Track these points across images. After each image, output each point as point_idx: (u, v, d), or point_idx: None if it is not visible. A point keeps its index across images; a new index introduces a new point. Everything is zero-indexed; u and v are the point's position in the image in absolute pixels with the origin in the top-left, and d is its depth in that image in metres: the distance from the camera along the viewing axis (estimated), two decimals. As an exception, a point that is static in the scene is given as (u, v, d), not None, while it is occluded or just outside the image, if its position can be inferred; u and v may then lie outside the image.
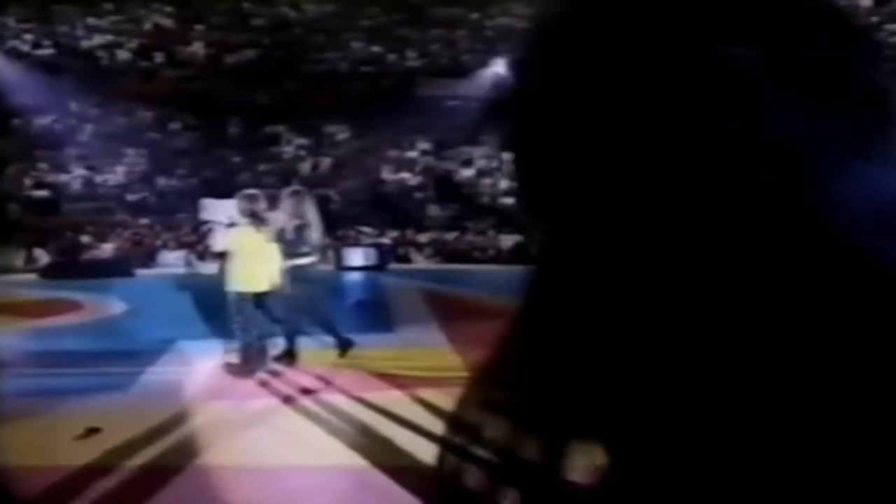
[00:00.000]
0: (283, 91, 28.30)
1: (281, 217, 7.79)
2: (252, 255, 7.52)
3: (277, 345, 8.14)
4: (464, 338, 10.24)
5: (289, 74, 28.74)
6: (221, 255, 8.71)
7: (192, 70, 29.35)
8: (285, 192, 8.23)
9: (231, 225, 8.11)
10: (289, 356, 8.05)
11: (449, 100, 28.90)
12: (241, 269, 7.57)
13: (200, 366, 8.22)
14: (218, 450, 5.50)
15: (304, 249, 7.89)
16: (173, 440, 5.73)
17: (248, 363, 7.66)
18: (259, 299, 7.66)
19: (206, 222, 20.29)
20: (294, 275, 7.82)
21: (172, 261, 19.10)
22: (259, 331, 7.71)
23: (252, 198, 7.75)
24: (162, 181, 26.06)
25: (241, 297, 7.55)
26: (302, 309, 8.01)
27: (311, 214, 8.03)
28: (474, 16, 31.83)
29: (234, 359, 7.88)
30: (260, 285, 7.59)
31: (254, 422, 6.24)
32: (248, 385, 7.44)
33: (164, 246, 19.91)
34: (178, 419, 6.23)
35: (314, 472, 5.12)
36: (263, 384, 7.50)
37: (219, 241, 8.18)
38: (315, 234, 8.03)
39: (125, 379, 7.52)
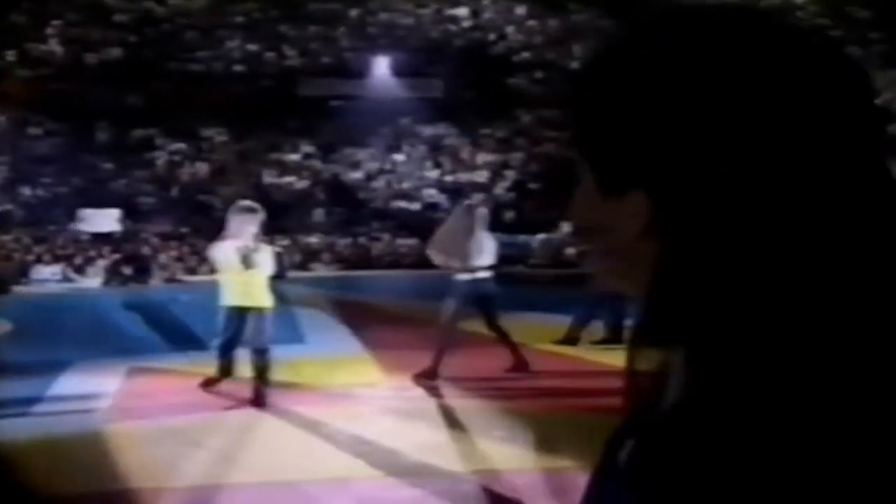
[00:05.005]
0: (154, 92, 27.74)
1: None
2: (235, 270, 7.39)
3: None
4: (380, 344, 10.53)
5: (159, 74, 28.16)
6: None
7: (50, 70, 28.41)
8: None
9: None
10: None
11: (332, 100, 29.04)
12: (231, 284, 7.47)
13: (107, 385, 8.23)
14: (144, 469, 5.59)
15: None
16: (87, 464, 5.74)
17: (225, 376, 7.70)
18: (245, 315, 7.49)
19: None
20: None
21: (48, 276, 18.54)
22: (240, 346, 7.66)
23: (249, 210, 7.57)
24: (26, 191, 25.28)
25: (232, 311, 7.47)
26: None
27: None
28: (354, 12, 31.96)
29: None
30: (246, 300, 7.44)
31: (173, 439, 6.31)
32: (167, 400, 7.56)
33: (38, 260, 19.24)
34: (89, 442, 6.24)
35: (246, 489, 5.23)
36: (191, 399, 7.58)
37: (214, 254, 7.68)
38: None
39: (24, 403, 7.40)
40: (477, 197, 25.81)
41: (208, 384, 7.76)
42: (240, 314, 7.44)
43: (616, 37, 0.66)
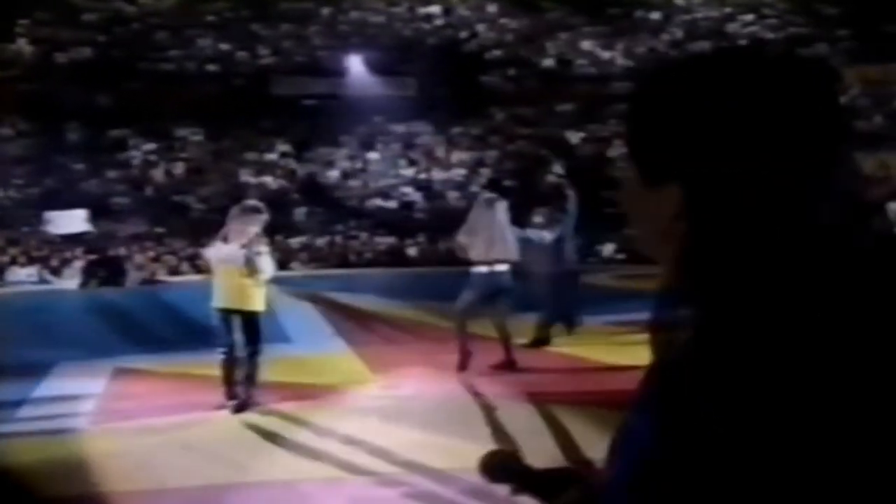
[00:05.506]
0: (126, 92, 27.37)
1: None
2: (235, 272, 7.15)
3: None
4: (363, 342, 10.61)
5: (130, 74, 27.83)
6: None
7: (19, 70, 28.11)
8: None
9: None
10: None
11: (305, 99, 28.93)
12: (228, 286, 7.20)
13: (91, 386, 8.23)
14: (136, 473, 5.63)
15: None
16: (72, 466, 5.73)
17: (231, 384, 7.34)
18: (237, 317, 7.27)
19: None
20: None
21: (24, 277, 18.42)
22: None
23: (254, 210, 7.38)
24: None
25: (224, 314, 7.23)
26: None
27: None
28: (326, 10, 31.94)
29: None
30: (242, 303, 7.23)
31: (160, 440, 6.34)
32: (153, 401, 7.59)
33: (13, 262, 19.10)
34: (74, 444, 6.24)
35: (236, 489, 5.25)
36: (178, 400, 7.61)
37: (212, 254, 7.43)
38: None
39: (7, 407, 7.41)
40: (453, 195, 25.97)
41: (230, 395, 7.26)
42: (232, 316, 7.21)
43: (655, 74, 0.92)
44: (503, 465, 1.41)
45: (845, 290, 0.76)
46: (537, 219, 10.49)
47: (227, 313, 7.23)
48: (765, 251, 0.79)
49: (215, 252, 7.40)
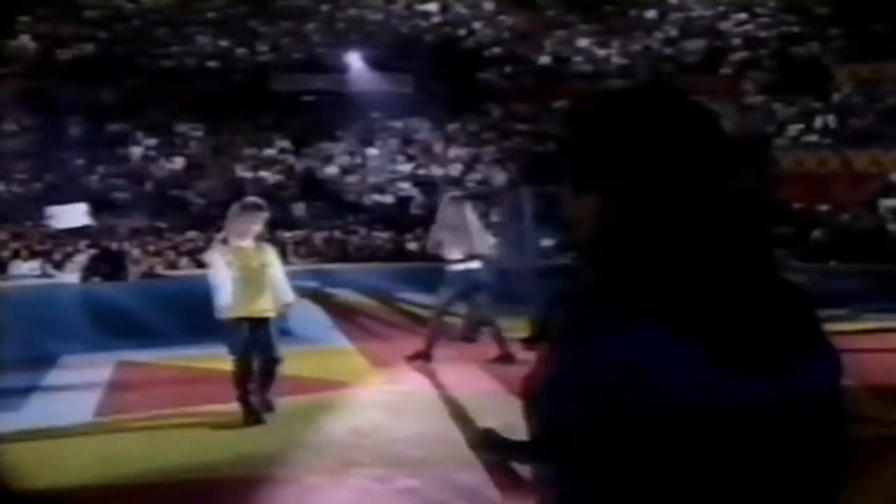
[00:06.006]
0: (127, 88, 27.58)
1: None
2: (248, 278, 6.61)
3: None
4: (363, 337, 10.73)
5: (131, 70, 27.99)
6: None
7: (21, 66, 28.25)
8: None
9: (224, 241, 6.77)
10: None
11: (304, 95, 29.04)
12: (235, 293, 6.56)
13: (96, 379, 8.21)
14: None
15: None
16: (78, 460, 5.69)
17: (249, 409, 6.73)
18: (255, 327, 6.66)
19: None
20: None
21: (27, 271, 18.53)
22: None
23: (255, 208, 6.81)
24: (0, 187, 25.08)
25: (235, 323, 6.60)
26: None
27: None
28: (324, 7, 32.08)
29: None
30: (253, 310, 6.64)
31: (165, 434, 6.28)
32: (158, 394, 7.58)
33: (16, 256, 19.20)
34: (80, 437, 6.21)
35: (242, 482, 5.21)
36: (184, 393, 7.63)
37: (215, 257, 6.73)
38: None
39: (14, 399, 7.37)
40: (451, 190, 26.12)
41: (244, 403, 6.70)
42: (243, 325, 6.60)
43: (573, 114, 1.24)
44: (494, 440, 1.61)
45: (700, 265, 1.08)
46: (495, 217, 10.60)
47: (237, 322, 6.60)
48: (649, 240, 1.09)
49: (218, 255, 6.72)
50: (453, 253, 8.66)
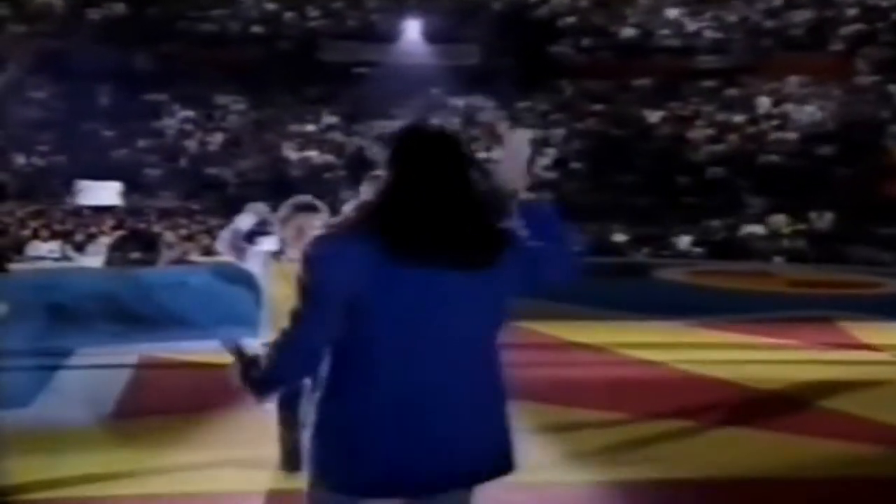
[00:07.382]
0: (162, 54, 27.78)
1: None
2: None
3: None
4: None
5: (168, 34, 28.21)
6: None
7: (48, 25, 28.33)
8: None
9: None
10: None
11: (357, 66, 29.00)
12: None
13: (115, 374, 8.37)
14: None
15: None
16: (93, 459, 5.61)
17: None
18: None
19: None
20: None
21: (45, 253, 18.23)
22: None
23: (311, 209, 5.62)
24: (20, 160, 25.20)
25: None
26: None
27: None
28: (383, -31, 31.81)
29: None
30: None
31: (186, 434, 6.21)
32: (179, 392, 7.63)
33: (35, 236, 18.95)
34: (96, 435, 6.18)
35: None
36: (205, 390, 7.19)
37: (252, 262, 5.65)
38: None
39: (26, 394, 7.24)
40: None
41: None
42: None
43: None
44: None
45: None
46: None
47: None
48: (404, 202, 2.22)
49: (268, 264, 5.64)
50: None
